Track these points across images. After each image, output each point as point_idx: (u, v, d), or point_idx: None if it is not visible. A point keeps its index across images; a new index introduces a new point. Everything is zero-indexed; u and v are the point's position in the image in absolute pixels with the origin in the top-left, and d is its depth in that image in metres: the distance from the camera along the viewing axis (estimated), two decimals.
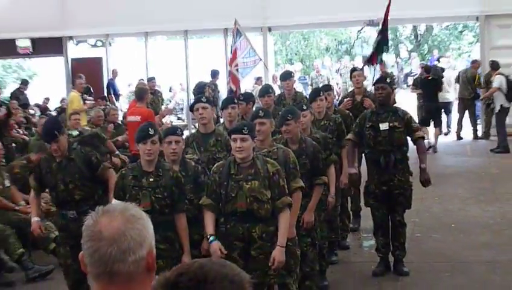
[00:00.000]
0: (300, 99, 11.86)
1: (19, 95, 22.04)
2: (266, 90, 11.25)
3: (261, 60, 16.70)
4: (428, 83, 19.86)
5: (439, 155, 19.08)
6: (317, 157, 8.43)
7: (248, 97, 10.73)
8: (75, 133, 12.34)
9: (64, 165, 8.10)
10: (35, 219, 8.30)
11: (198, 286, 1.95)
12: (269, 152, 7.57)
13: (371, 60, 14.23)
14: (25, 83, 23.26)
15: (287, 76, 12.81)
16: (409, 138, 9.73)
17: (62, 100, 21.83)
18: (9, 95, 22.41)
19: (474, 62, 21.74)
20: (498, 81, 18.98)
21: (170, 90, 27.09)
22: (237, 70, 14.76)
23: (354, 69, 13.52)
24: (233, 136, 6.96)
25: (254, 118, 7.78)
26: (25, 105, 20.06)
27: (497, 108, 19.26)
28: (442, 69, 21.59)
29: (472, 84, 20.85)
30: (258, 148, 7.57)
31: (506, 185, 14.89)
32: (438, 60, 25.65)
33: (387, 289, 9.29)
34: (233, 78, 14.79)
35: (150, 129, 7.16)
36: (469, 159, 18.53)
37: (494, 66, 19.75)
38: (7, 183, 10.94)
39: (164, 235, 6.81)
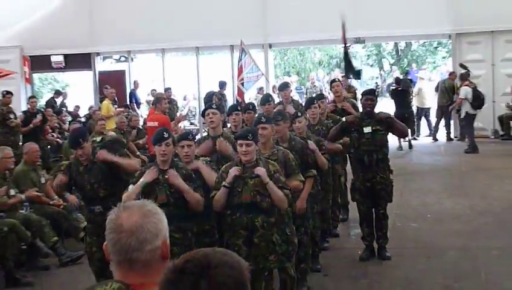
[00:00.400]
0: (296, 106, 11.89)
1: (53, 104, 22.13)
2: (266, 99, 11.26)
3: (263, 74, 16.73)
4: (399, 93, 19.98)
5: (417, 154, 19.06)
6: (305, 152, 8.52)
7: (253, 107, 10.77)
8: (98, 139, 12.35)
9: (89, 168, 8.14)
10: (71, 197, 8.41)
11: (202, 271, 1.98)
12: (271, 155, 7.62)
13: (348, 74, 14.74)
14: (58, 93, 23.28)
15: (284, 87, 12.82)
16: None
17: (90, 108, 21.83)
18: (46, 103, 22.47)
19: (451, 74, 21.69)
20: (464, 92, 18.96)
21: (184, 99, 27.08)
22: (242, 84, 14.80)
23: (333, 80, 13.58)
24: (239, 141, 7.01)
25: (257, 123, 7.83)
26: (58, 112, 20.06)
27: (463, 115, 19.28)
28: (411, 81, 21.75)
29: (449, 93, 20.86)
30: (261, 150, 7.63)
31: (475, 181, 14.89)
32: (418, 72, 25.57)
33: (372, 271, 9.27)
34: (239, 91, 14.82)
35: (164, 133, 7.18)
36: (443, 158, 18.51)
37: (462, 77, 19.75)
38: (43, 180, 10.95)
39: (178, 225, 6.82)
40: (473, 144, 18.87)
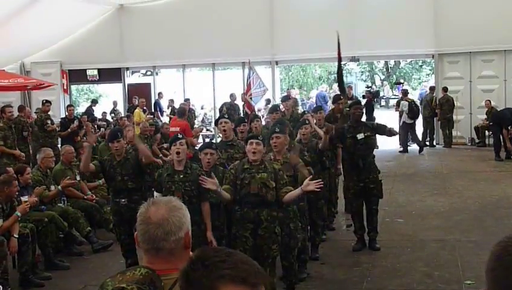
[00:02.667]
0: (295, 116, 11.92)
1: (91, 112, 22.33)
2: (274, 109, 11.35)
3: (267, 89, 16.77)
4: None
5: (404, 159, 19.06)
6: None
7: (259, 118, 10.88)
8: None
9: (122, 162, 8.30)
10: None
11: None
12: (284, 159, 7.67)
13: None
14: (94, 102, 23.37)
15: (285, 98, 12.86)
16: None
17: (112, 112, 22.02)
18: (84, 111, 22.59)
19: (432, 88, 21.70)
20: (402, 105, 20.66)
21: (202, 108, 27.11)
22: (251, 98, 14.84)
23: (339, 97, 13.29)
24: (250, 140, 7.08)
25: (272, 132, 7.83)
26: (93, 120, 20.17)
27: (401, 123, 20.41)
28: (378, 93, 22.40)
29: (430, 105, 20.86)
30: (276, 156, 7.66)
31: (453, 182, 14.86)
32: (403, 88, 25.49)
33: (363, 260, 9.26)
34: (248, 105, 14.84)
35: (179, 134, 7.53)
36: (426, 162, 18.49)
37: (404, 93, 21.60)
38: (78, 178, 10.99)
39: (192, 219, 6.81)
40: (405, 146, 20.40)
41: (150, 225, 2.62)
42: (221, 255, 1.88)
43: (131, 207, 7.67)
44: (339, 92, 13.94)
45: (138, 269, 2.59)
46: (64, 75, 21.20)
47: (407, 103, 20.70)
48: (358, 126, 9.74)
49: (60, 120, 18.41)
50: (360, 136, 9.62)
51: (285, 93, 20.36)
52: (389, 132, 9.91)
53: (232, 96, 21.11)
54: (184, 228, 2.69)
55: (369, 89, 24.54)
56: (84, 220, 10.32)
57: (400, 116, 20.72)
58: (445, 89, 20.60)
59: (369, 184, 9.70)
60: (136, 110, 20.37)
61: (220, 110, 18.43)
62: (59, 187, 10.15)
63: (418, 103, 22.86)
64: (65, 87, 21.44)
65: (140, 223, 2.66)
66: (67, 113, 18.26)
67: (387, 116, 24.42)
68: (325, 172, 9.85)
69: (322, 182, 6.84)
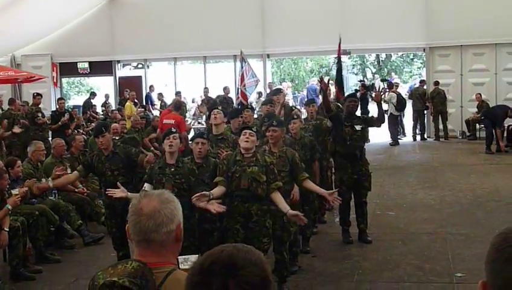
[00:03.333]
0: (287, 110, 11.90)
1: (90, 104, 22.43)
2: (269, 101, 11.36)
3: (259, 80, 16.77)
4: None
5: (396, 152, 19.10)
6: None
7: (251, 108, 10.85)
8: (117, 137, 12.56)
9: (110, 157, 8.23)
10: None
11: (230, 272, 1.84)
12: (280, 153, 7.69)
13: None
14: (93, 94, 23.31)
15: (277, 92, 12.85)
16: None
17: (103, 105, 21.98)
18: (83, 103, 22.57)
19: (422, 82, 21.71)
20: (389, 97, 20.72)
21: (193, 102, 27.04)
22: (245, 88, 14.81)
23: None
24: (244, 130, 7.11)
25: (269, 125, 7.85)
26: (84, 112, 20.19)
27: (388, 114, 20.20)
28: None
29: (423, 98, 20.88)
30: (272, 149, 7.69)
31: (444, 175, 14.90)
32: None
33: (355, 253, 9.28)
34: (243, 95, 14.83)
35: (173, 128, 7.53)
36: (417, 155, 18.52)
37: (390, 86, 21.64)
38: (69, 170, 10.94)
39: (184, 213, 6.86)
40: (395, 138, 20.63)
41: (142, 216, 2.62)
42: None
43: (124, 200, 7.66)
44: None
45: (129, 262, 2.59)
46: (55, 68, 21.12)
47: (395, 94, 20.97)
48: (354, 118, 9.80)
49: (50, 113, 18.36)
50: (358, 127, 9.71)
51: (277, 87, 20.32)
52: (378, 120, 9.99)
53: (225, 89, 21.03)
54: (176, 221, 2.68)
55: (362, 82, 24.49)
56: (75, 213, 10.31)
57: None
58: (436, 83, 20.63)
59: (361, 176, 9.75)
60: (127, 103, 20.36)
61: (213, 102, 18.38)
62: (50, 182, 10.09)
63: (405, 96, 22.88)
64: (55, 80, 21.35)
65: (131, 215, 2.67)
66: (58, 107, 18.23)
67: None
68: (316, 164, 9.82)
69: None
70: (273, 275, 7.34)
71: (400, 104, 20.92)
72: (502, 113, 17.62)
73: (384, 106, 20.75)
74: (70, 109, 19.35)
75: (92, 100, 22.91)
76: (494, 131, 17.66)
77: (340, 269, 8.58)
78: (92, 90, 23.50)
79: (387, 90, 21.31)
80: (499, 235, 1.84)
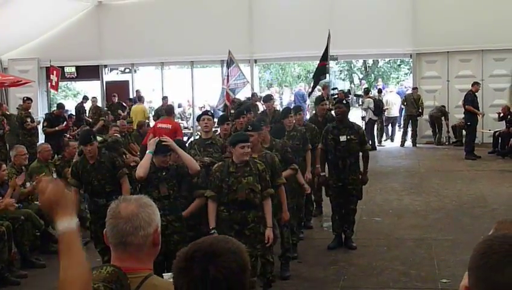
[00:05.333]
0: (277, 116, 11.92)
1: (83, 108, 22.25)
2: (269, 97, 11.40)
3: (248, 82, 16.70)
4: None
5: (382, 157, 19.13)
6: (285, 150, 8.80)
7: (246, 112, 10.90)
8: (99, 138, 12.46)
9: (96, 166, 8.18)
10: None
11: (210, 259, 2.04)
12: (260, 157, 7.66)
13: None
14: (85, 98, 23.19)
15: (268, 99, 12.87)
16: None
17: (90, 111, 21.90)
18: (75, 107, 22.47)
19: (415, 88, 21.66)
20: (367, 102, 21.19)
21: (179, 106, 26.99)
22: (230, 89, 14.78)
23: (321, 98, 13.30)
24: (241, 144, 6.96)
25: (245, 130, 7.89)
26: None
27: (366, 120, 21.00)
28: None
29: (417, 103, 20.91)
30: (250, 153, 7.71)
31: (430, 181, 14.96)
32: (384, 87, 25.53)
33: (340, 259, 9.31)
34: (227, 96, 14.80)
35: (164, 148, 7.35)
36: (404, 161, 18.58)
37: (366, 92, 22.26)
38: (54, 175, 10.93)
39: (178, 215, 7.14)
40: (373, 145, 20.49)
41: (120, 219, 2.64)
42: None
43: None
44: (320, 93, 13.95)
45: (105, 267, 2.60)
46: (55, 72, 20.98)
47: (372, 100, 21.24)
48: (343, 127, 9.76)
49: (46, 115, 18.36)
50: (343, 138, 9.63)
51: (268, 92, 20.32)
52: (364, 155, 9.94)
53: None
54: (153, 225, 2.69)
55: (336, 89, 24.44)
56: None
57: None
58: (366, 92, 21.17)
59: (348, 185, 9.73)
60: (140, 106, 20.43)
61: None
62: (34, 185, 10.08)
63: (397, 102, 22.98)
64: (53, 84, 21.22)
65: (110, 218, 2.69)
66: (55, 111, 18.23)
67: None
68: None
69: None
70: (258, 279, 7.40)
71: (378, 109, 21.19)
72: None
73: (362, 113, 21.02)
74: (69, 115, 19.51)
75: (84, 104, 22.81)
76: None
77: (326, 275, 8.60)
78: (84, 95, 23.31)
79: (363, 96, 21.59)
80: (484, 241, 1.86)
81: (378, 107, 21.29)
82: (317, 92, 19.92)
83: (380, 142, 21.83)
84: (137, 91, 23.79)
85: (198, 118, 9.17)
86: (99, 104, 23.02)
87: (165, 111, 14.61)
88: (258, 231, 7.03)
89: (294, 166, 8.80)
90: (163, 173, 7.17)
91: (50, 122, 17.43)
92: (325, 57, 16.24)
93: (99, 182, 8.18)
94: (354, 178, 9.77)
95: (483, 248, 1.84)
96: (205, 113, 9.13)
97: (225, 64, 17.89)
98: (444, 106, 20.80)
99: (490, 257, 1.80)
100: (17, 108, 18.24)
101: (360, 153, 9.88)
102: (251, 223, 6.99)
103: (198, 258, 2.06)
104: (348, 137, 9.63)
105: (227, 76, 15.43)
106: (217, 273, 2.02)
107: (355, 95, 27.30)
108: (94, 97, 22.04)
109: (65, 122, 17.66)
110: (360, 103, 23.05)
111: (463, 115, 19.54)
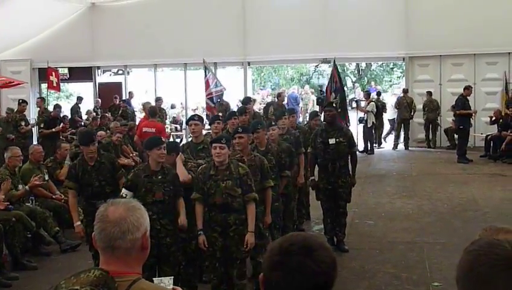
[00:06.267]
0: (258, 118, 11.97)
1: (78, 109, 22.24)
2: (243, 110, 11.34)
3: (225, 89, 16.66)
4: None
5: (374, 160, 19.15)
6: (280, 155, 8.88)
7: (236, 113, 10.93)
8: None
9: (97, 167, 8.13)
10: (77, 224, 8.23)
11: (306, 252, 2.11)
12: (249, 160, 7.67)
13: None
14: (80, 99, 23.08)
15: (247, 101, 12.88)
16: None
17: (88, 113, 21.76)
18: (70, 109, 22.37)
19: (406, 91, 21.62)
20: (371, 106, 21.01)
21: (172, 108, 26.94)
22: (210, 99, 14.75)
23: (316, 114, 13.25)
24: (214, 144, 7.01)
25: (235, 133, 7.88)
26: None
27: (369, 124, 20.82)
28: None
29: (411, 107, 20.92)
30: (240, 156, 7.68)
31: (422, 184, 14.98)
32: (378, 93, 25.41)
33: None
34: (207, 106, 14.74)
35: (159, 139, 7.39)
36: (396, 164, 18.60)
37: (366, 96, 22.12)
38: (46, 177, 10.92)
39: (171, 218, 7.07)
40: (372, 149, 20.78)
41: (108, 223, 2.62)
42: None
43: None
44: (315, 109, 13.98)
45: (92, 270, 2.57)
46: (53, 73, 20.93)
47: (374, 104, 21.20)
48: (332, 130, 9.76)
49: (43, 117, 18.33)
50: (332, 141, 9.65)
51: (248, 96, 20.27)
52: (353, 158, 9.93)
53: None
54: (142, 229, 2.67)
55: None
56: (52, 219, 10.26)
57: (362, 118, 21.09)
58: (429, 93, 20.70)
59: (337, 188, 9.74)
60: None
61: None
62: (26, 187, 10.06)
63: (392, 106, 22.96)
64: (54, 85, 21.17)
65: (98, 222, 2.67)
66: (52, 113, 18.19)
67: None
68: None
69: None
70: (249, 282, 7.39)
71: (378, 112, 21.31)
72: None
73: (365, 116, 20.89)
74: (65, 117, 19.44)
75: (79, 105, 22.74)
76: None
77: None
78: (78, 96, 23.23)
79: (364, 100, 21.53)
80: (470, 252, 1.86)
81: (379, 109, 21.38)
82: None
83: (379, 144, 21.86)
84: (129, 93, 23.79)
85: (187, 123, 9.20)
86: (90, 105, 22.96)
87: (149, 113, 14.55)
88: (242, 233, 6.98)
89: (286, 173, 8.90)
90: (159, 177, 7.14)
91: (46, 124, 17.40)
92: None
93: (100, 183, 8.13)
94: (344, 181, 9.76)
95: (469, 260, 1.84)
96: (192, 118, 9.04)
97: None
98: (437, 101, 20.75)
99: (478, 268, 1.80)
100: (6, 111, 18.10)
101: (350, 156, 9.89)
102: (233, 225, 6.96)
103: (295, 251, 2.11)
104: (337, 140, 9.66)
105: (207, 84, 15.39)
106: (315, 266, 2.10)
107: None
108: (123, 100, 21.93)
109: (61, 124, 17.61)
110: (354, 106, 22.88)
111: (453, 118, 19.58)
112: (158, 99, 21.04)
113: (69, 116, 21.19)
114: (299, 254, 2.10)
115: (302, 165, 10.19)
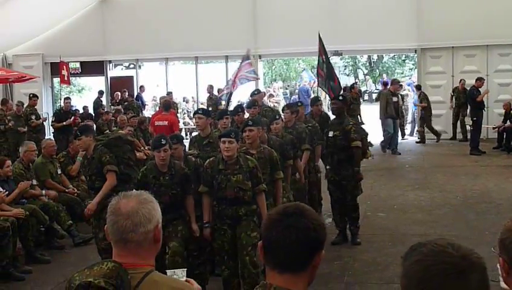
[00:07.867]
0: (268, 112, 11.96)
1: (100, 103, 22.50)
2: (253, 103, 11.32)
3: (258, 78, 16.70)
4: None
5: (387, 154, 19.07)
6: (283, 147, 8.88)
7: (242, 110, 10.87)
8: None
9: (89, 162, 8.17)
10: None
11: (300, 213, 2.42)
12: (258, 153, 7.69)
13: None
14: (101, 93, 23.13)
15: (256, 93, 12.87)
16: None
17: (97, 108, 21.79)
18: (93, 103, 22.47)
19: (420, 88, 21.40)
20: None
21: (184, 101, 26.98)
22: (239, 79, 14.80)
23: (317, 99, 13.26)
24: (222, 139, 7.02)
25: (245, 126, 7.86)
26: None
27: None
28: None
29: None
30: (246, 148, 7.68)
31: (435, 176, 14.93)
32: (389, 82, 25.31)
33: (345, 254, 9.28)
34: (234, 84, 14.82)
35: (162, 140, 7.24)
36: (407, 156, 18.54)
37: (385, 85, 21.15)
38: (59, 171, 10.97)
39: (178, 213, 7.17)
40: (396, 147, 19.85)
41: (119, 216, 2.63)
42: None
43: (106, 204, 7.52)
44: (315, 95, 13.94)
45: (105, 263, 2.58)
46: (65, 66, 21.02)
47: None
48: (335, 123, 9.83)
49: (55, 111, 18.41)
50: (331, 134, 9.70)
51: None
52: (352, 152, 9.75)
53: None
54: (154, 221, 2.69)
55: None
56: (65, 213, 10.30)
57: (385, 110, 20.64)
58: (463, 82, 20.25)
59: (341, 181, 9.74)
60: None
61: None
62: (43, 192, 10.14)
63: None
64: (66, 78, 21.27)
65: (110, 214, 2.68)
66: (63, 105, 18.27)
67: (371, 111, 24.51)
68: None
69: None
70: (263, 275, 7.40)
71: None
72: None
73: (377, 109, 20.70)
74: (76, 111, 19.53)
75: (101, 99, 22.81)
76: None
77: (330, 270, 8.58)
78: (100, 90, 23.29)
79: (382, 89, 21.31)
80: (416, 262, 1.88)
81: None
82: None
83: (403, 135, 21.74)
84: (141, 87, 23.85)
85: (193, 116, 9.26)
86: (103, 99, 23.02)
87: (162, 106, 14.56)
88: (252, 221, 7.03)
89: (289, 162, 8.94)
90: (166, 178, 7.17)
91: (58, 117, 17.49)
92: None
93: (90, 177, 8.16)
94: (346, 173, 9.68)
95: (418, 271, 1.84)
96: (196, 112, 9.13)
97: (230, 61, 17.90)
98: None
99: (430, 280, 1.80)
100: (16, 104, 18.12)
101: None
102: (243, 216, 7.00)
103: (290, 212, 2.41)
104: (335, 133, 9.65)
105: (240, 68, 15.42)
106: (308, 222, 2.37)
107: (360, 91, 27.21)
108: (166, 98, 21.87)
109: (72, 117, 17.69)
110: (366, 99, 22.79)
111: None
112: (169, 94, 21.11)
113: (92, 110, 21.33)
114: (294, 213, 2.39)
115: (303, 164, 10.14)
